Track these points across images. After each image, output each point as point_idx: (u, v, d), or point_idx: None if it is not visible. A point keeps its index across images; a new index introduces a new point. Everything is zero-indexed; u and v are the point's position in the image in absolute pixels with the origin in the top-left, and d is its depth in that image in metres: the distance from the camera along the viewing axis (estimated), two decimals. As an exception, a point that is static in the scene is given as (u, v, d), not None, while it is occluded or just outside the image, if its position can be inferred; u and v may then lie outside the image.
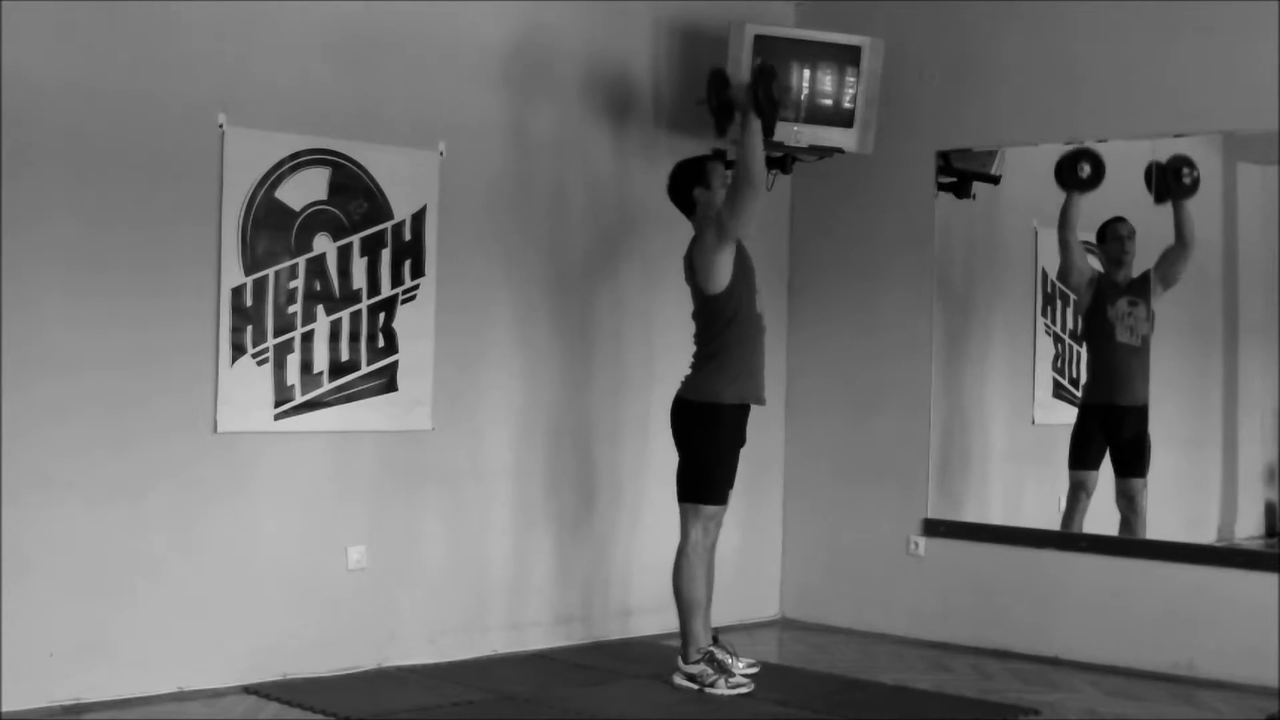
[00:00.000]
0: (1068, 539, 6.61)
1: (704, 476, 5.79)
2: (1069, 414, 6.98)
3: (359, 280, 5.90)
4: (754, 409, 5.92)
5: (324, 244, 5.81)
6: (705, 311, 5.83)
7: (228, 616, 5.56)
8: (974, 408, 7.29)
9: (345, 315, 5.86)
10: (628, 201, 6.75)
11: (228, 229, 5.55)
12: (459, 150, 6.16)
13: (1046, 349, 7.12)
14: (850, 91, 6.67)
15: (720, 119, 5.83)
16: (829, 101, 6.67)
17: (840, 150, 6.75)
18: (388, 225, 5.98)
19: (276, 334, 5.67)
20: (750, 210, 5.65)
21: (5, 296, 5.04)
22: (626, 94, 6.74)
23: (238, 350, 5.57)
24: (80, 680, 5.21)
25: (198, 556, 5.50)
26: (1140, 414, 6.58)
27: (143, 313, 5.37)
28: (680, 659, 5.81)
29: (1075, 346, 7.07)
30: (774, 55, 6.54)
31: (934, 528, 6.90)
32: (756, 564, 7.25)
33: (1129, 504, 6.64)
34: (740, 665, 5.81)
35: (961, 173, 6.98)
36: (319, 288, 5.79)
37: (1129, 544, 6.48)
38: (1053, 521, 6.78)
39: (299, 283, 5.73)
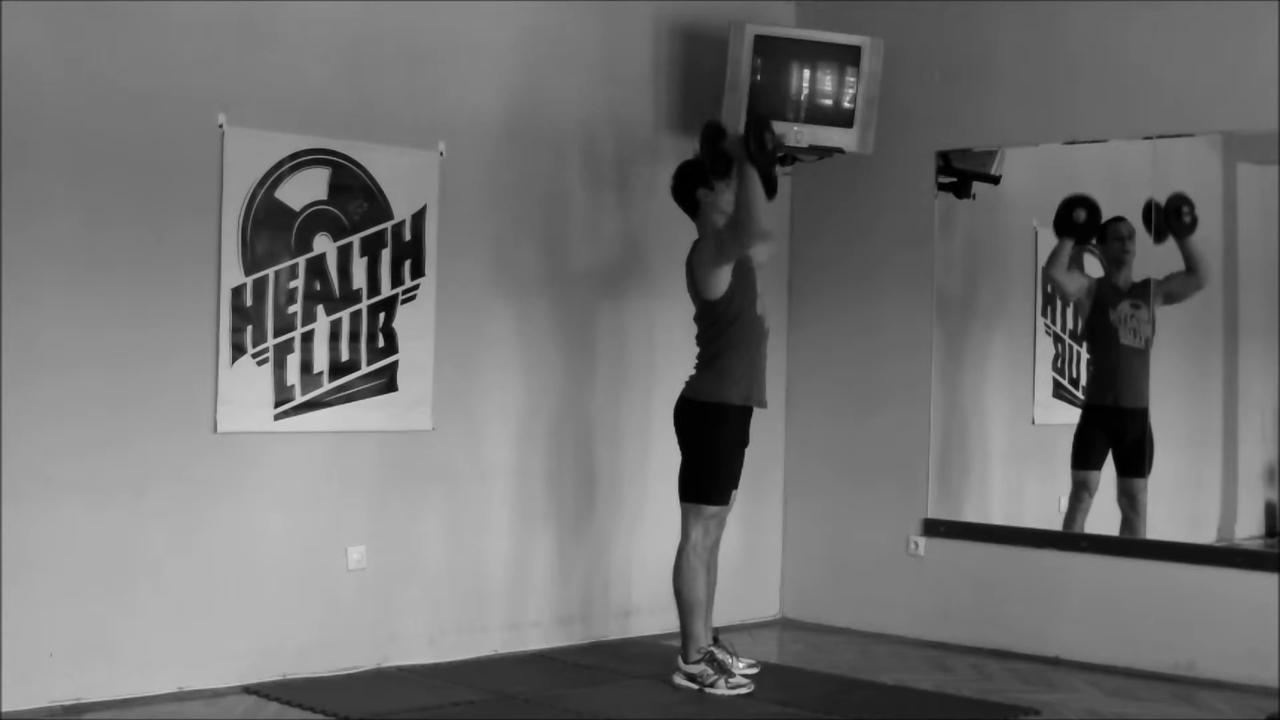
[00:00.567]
0: (1068, 539, 6.60)
1: (705, 477, 5.79)
2: (1069, 414, 6.98)
3: (359, 280, 5.90)
4: (755, 410, 5.92)
5: (324, 244, 5.80)
6: (705, 315, 5.83)
7: (228, 616, 5.56)
8: (974, 408, 7.29)
9: (345, 315, 5.86)
10: (628, 201, 6.75)
11: (228, 229, 5.55)
12: (459, 150, 6.16)
13: (1046, 349, 7.12)
14: (850, 91, 6.67)
15: (716, 169, 5.80)
16: (829, 101, 6.67)
17: (840, 150, 6.75)
18: (388, 225, 5.97)
19: (276, 334, 5.67)
20: (746, 249, 5.68)
21: (5, 296, 5.04)
22: (626, 94, 6.74)
23: (238, 350, 5.57)
24: (80, 680, 5.21)
25: (198, 556, 5.50)
26: (1144, 415, 6.58)
27: (143, 313, 5.37)
28: (680, 659, 5.81)
29: (1075, 346, 7.07)
30: (774, 55, 6.56)
31: (934, 528, 6.89)
32: (756, 564, 7.25)
33: (1130, 503, 6.64)
34: (740, 665, 5.81)
35: (961, 173, 6.98)
36: (319, 288, 5.79)
37: (1129, 544, 6.47)
38: (1053, 521, 6.78)
39: (299, 283, 5.73)
